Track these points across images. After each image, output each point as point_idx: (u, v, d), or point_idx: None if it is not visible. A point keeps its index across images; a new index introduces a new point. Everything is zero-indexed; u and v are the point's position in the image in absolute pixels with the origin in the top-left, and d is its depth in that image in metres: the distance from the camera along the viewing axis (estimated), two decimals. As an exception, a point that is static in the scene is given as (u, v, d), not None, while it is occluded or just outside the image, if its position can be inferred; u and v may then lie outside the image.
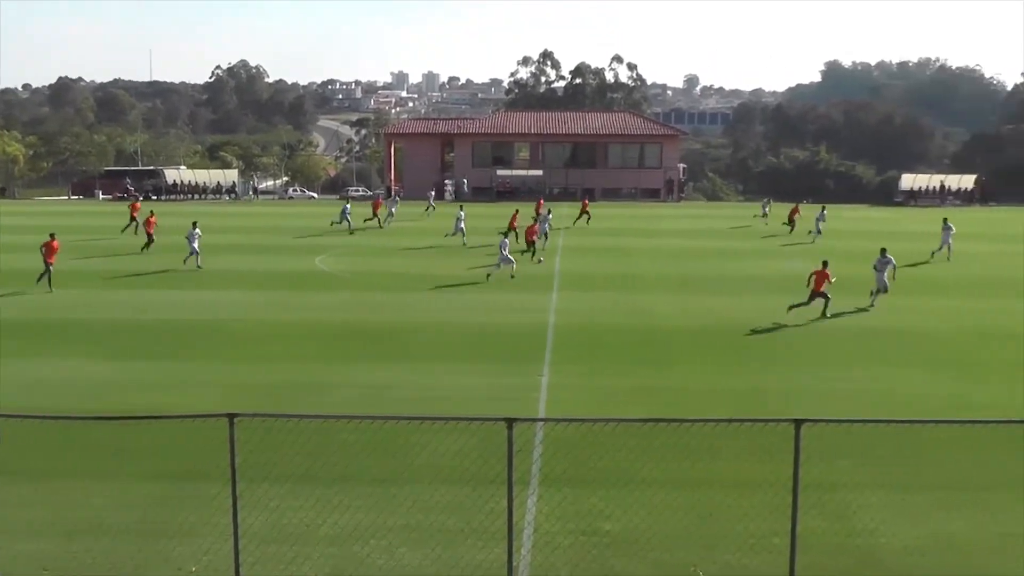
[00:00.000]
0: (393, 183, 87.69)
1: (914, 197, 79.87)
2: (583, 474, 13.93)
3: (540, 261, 38.15)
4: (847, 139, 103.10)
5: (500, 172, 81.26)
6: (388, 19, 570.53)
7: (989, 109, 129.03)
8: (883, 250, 30.18)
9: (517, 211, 46.85)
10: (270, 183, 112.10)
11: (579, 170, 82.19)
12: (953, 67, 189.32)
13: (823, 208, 51.98)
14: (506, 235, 37.13)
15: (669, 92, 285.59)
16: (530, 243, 38.63)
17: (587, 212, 54.36)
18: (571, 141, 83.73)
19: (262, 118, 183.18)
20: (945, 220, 42.18)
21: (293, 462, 14.01)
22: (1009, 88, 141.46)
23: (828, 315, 27.44)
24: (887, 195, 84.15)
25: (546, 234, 42.38)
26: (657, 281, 34.30)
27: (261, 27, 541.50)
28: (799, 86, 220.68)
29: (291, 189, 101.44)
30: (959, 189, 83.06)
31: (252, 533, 11.73)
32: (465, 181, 69.49)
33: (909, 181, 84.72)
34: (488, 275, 34.32)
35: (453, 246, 44.02)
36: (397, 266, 37.65)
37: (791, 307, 27.64)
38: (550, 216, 42.76)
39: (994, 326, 26.67)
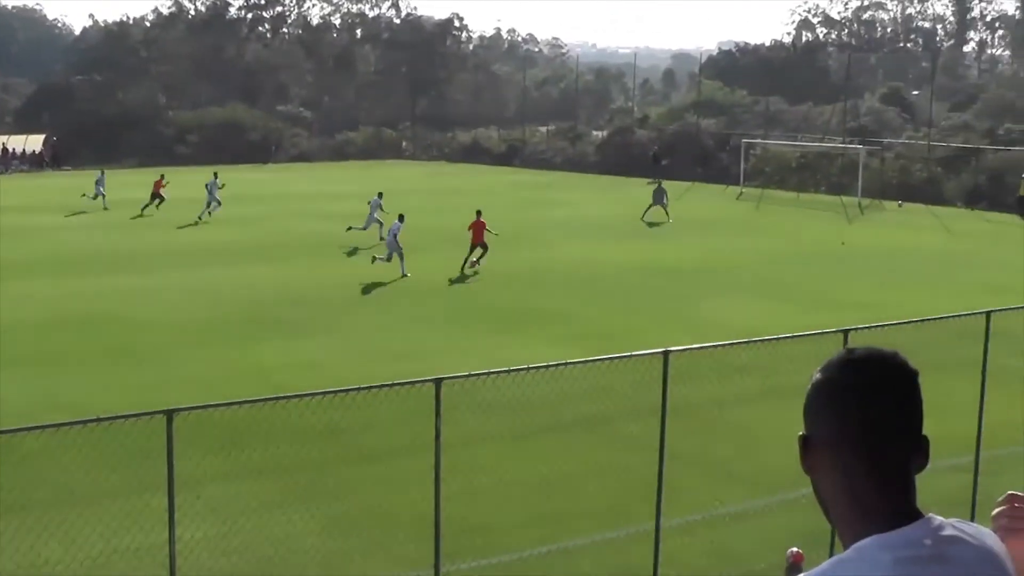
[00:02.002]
0: None
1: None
2: None
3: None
4: None
5: None
6: None
7: (55, 57, 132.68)
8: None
9: (163, 176, 52.04)
10: None
11: None
12: (10, 7, 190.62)
13: (102, 172, 55.38)
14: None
15: None
16: None
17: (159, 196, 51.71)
18: None
19: None
20: (379, 194, 44.74)
21: None
22: (77, 32, 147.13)
23: (480, 263, 34.84)
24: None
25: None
26: None
27: None
28: None
29: None
30: (25, 152, 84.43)
31: None
32: None
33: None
34: None
35: None
36: None
37: (463, 266, 34.47)
38: (218, 181, 48.39)
39: (80, 311, 27.92)
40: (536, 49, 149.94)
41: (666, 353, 12.85)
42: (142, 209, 50.23)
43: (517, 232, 43.75)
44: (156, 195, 51.34)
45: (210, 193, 48.29)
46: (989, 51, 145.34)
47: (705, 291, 32.65)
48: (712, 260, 38.64)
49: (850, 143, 68.85)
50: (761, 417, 18.58)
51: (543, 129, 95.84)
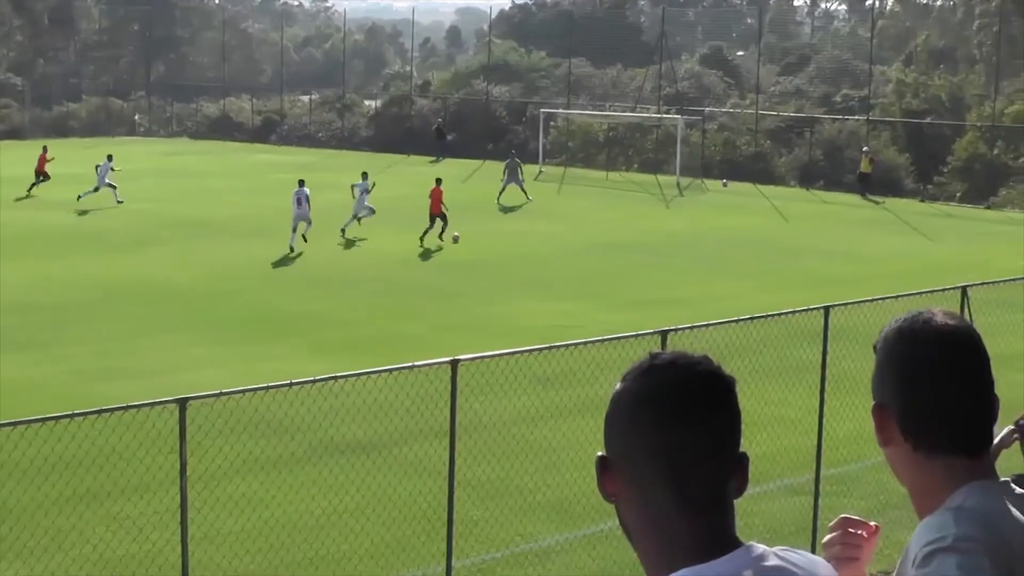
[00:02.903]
0: None
1: None
2: None
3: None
4: None
5: None
6: None
7: None
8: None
9: (45, 148, 54.64)
10: None
11: None
12: None
13: None
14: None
15: None
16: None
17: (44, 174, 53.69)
18: None
19: None
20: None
21: None
22: None
23: (442, 238, 40.12)
24: None
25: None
26: None
27: None
28: None
29: None
30: None
31: None
32: None
33: None
34: None
35: None
36: None
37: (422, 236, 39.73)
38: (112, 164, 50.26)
39: None
40: (296, 3, 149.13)
41: (454, 362, 12.92)
42: (28, 189, 51.44)
43: (266, 222, 43.41)
44: (41, 172, 52.41)
45: (100, 177, 49.70)
46: (823, 5, 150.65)
47: (499, 288, 32.99)
48: (507, 251, 39.09)
49: (667, 113, 70.44)
50: (568, 436, 18.86)
51: (305, 99, 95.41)
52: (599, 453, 2.62)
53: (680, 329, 14.92)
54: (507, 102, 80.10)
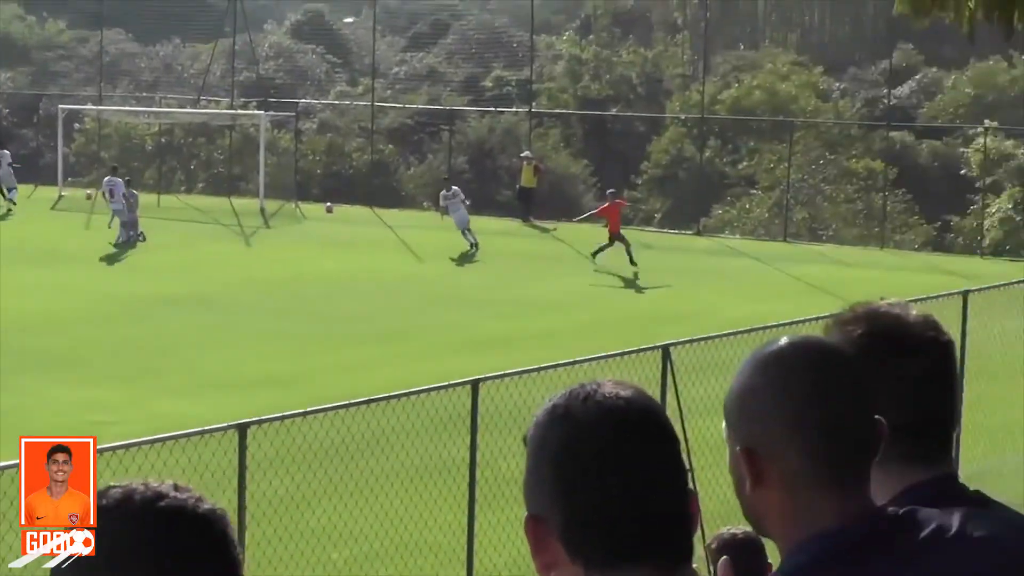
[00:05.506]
0: None
1: None
2: None
3: None
4: None
5: None
6: None
7: None
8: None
9: None
10: None
11: None
12: None
13: None
14: None
15: None
16: None
17: None
18: None
19: None
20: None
21: None
22: None
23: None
24: None
25: None
26: None
27: None
28: None
29: None
30: None
31: None
32: None
33: None
34: None
35: None
36: None
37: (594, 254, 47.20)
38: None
39: None
40: None
41: None
42: None
43: None
44: None
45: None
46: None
47: (6, 367, 32.17)
48: (16, 310, 38.01)
49: (244, 107, 70.27)
50: None
51: None
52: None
53: (265, 420, 14.86)
54: (10, 94, 78.83)
